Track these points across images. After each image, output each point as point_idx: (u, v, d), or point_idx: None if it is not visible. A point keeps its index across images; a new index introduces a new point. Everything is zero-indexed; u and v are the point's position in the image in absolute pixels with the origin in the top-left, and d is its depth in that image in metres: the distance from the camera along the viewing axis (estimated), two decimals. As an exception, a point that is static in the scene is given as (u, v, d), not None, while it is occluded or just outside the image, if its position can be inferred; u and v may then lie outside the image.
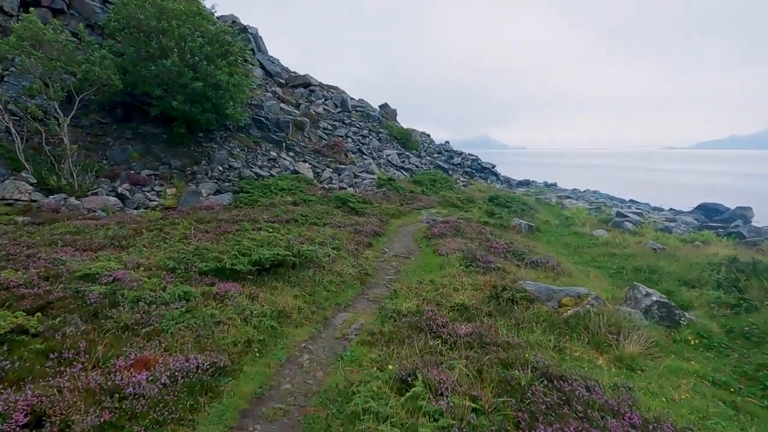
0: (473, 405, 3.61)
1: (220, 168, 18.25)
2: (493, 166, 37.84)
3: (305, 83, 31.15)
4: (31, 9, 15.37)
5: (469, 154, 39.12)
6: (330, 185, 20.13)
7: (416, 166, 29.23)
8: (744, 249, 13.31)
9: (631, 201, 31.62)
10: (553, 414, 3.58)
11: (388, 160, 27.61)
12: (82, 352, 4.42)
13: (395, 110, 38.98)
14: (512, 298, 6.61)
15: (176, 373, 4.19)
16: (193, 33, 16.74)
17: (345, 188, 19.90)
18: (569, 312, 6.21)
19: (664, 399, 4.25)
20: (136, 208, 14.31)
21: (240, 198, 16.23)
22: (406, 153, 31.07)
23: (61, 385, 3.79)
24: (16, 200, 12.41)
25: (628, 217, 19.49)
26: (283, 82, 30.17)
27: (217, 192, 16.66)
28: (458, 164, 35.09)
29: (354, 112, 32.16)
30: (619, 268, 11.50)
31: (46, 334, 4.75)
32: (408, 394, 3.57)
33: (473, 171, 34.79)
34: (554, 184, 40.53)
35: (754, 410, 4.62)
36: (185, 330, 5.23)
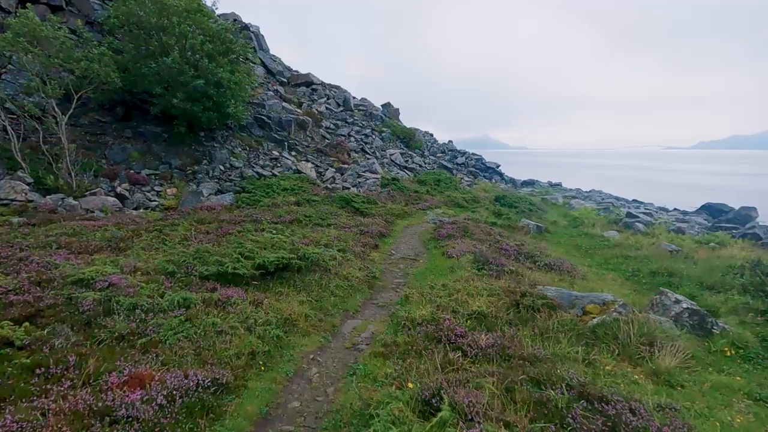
0: (508, 432, 3.21)
1: (222, 167, 17.87)
2: (498, 166, 37.37)
3: (307, 82, 30.77)
4: (29, 5, 15.04)
5: (473, 154, 38.66)
6: (333, 185, 19.74)
7: (420, 166, 28.80)
8: (763, 251, 12.87)
9: (635, 201, 31.20)
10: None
11: (392, 160, 27.20)
12: (71, 366, 4.06)
13: (398, 109, 38.50)
14: (533, 305, 6.21)
15: (174, 392, 3.81)
16: (194, 30, 16.40)
17: (348, 188, 19.50)
18: (595, 320, 5.80)
19: (717, 423, 3.80)
20: (135, 209, 13.95)
21: (242, 198, 15.88)
22: (410, 152, 30.64)
23: (46, 407, 3.41)
24: (12, 200, 12.04)
25: (638, 217, 19.01)
26: (285, 80, 29.79)
27: (219, 192, 16.28)
28: (462, 164, 34.65)
29: (356, 111, 31.76)
30: (635, 271, 11.07)
31: (33, 346, 4.37)
32: (435, 420, 3.17)
33: (477, 171, 34.34)
34: (559, 184, 40.04)
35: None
36: (184, 341, 4.86)
